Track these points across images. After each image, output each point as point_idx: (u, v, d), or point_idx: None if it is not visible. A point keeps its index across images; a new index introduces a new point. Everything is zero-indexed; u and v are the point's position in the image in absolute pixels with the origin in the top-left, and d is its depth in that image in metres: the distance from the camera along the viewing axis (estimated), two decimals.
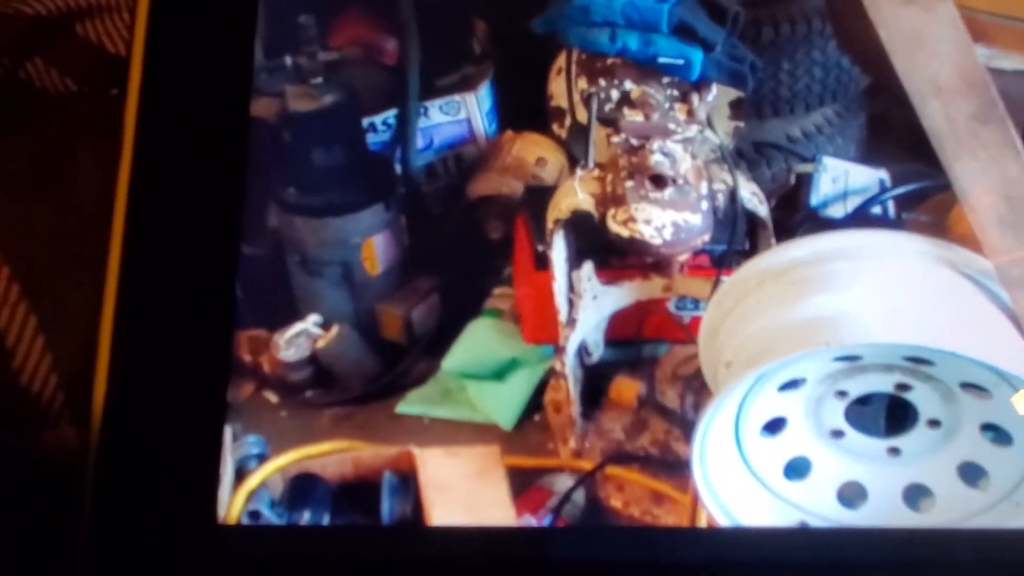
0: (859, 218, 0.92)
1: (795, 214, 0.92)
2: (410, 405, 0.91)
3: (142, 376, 0.76)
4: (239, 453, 0.84)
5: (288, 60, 0.95)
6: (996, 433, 0.77)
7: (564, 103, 0.94)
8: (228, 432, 0.77)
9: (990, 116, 0.79)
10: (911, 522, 0.78)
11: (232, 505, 0.81)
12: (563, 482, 0.85)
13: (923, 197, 0.93)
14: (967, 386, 0.76)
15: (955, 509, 0.78)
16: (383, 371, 0.93)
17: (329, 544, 0.76)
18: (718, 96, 0.90)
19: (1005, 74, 0.86)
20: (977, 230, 0.78)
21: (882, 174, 0.95)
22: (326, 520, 0.83)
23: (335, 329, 0.93)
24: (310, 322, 0.93)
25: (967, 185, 0.79)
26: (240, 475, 0.83)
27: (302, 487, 0.83)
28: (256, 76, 0.86)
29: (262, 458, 0.85)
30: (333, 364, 0.93)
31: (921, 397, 0.76)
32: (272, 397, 0.93)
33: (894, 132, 0.96)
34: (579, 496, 0.85)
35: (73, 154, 0.94)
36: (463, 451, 0.85)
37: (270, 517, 0.81)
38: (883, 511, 0.78)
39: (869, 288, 0.75)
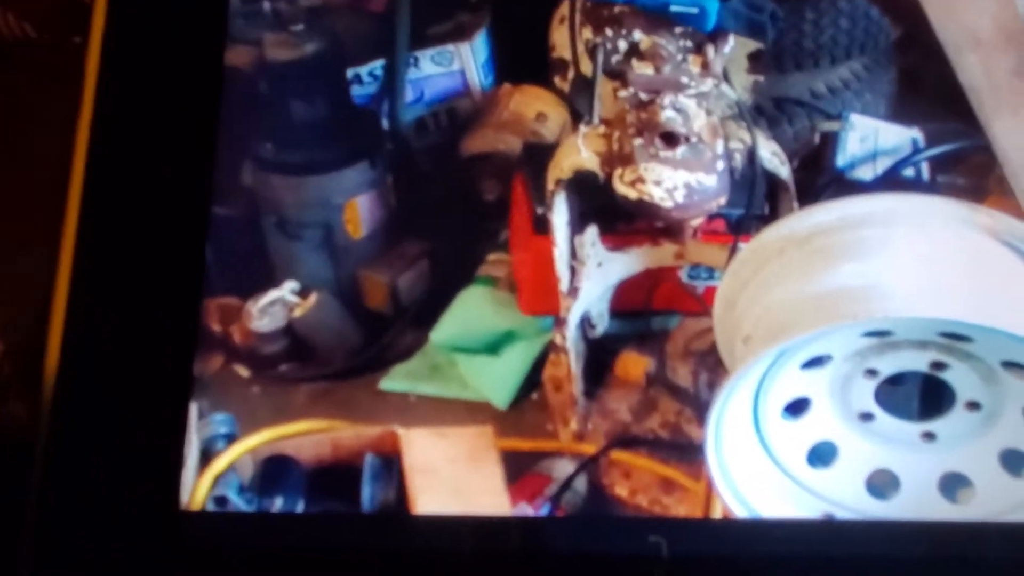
0: (890, 181, 0.89)
1: (820, 176, 0.89)
2: (395, 381, 0.88)
3: (99, 348, 0.72)
4: (205, 432, 0.81)
5: (266, 5, 0.92)
6: None
7: (567, 54, 0.89)
8: (193, 409, 0.76)
9: None
10: (948, 514, 0.75)
11: (196, 490, 0.78)
12: (563, 467, 0.82)
13: (960, 158, 0.89)
14: (1010, 365, 0.72)
15: (997, 500, 0.75)
16: (366, 343, 0.90)
17: (304, 533, 0.73)
18: (735, 48, 0.87)
19: None
20: (1019, 193, 0.76)
21: (915, 133, 0.91)
22: (300, 507, 0.80)
23: (313, 297, 0.91)
24: (286, 289, 0.91)
25: (1007, 145, 0.77)
26: (206, 457, 0.80)
27: (274, 470, 0.80)
28: (231, 22, 0.84)
29: (231, 438, 0.82)
30: (311, 335, 0.90)
31: (959, 377, 0.73)
32: (243, 371, 0.89)
33: (928, 88, 0.92)
34: (581, 483, 0.82)
35: (31, 105, 0.90)
36: (452, 432, 0.82)
37: (238, 503, 0.78)
38: (917, 502, 0.75)
39: (901, 257, 0.73)
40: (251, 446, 0.80)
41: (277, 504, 0.79)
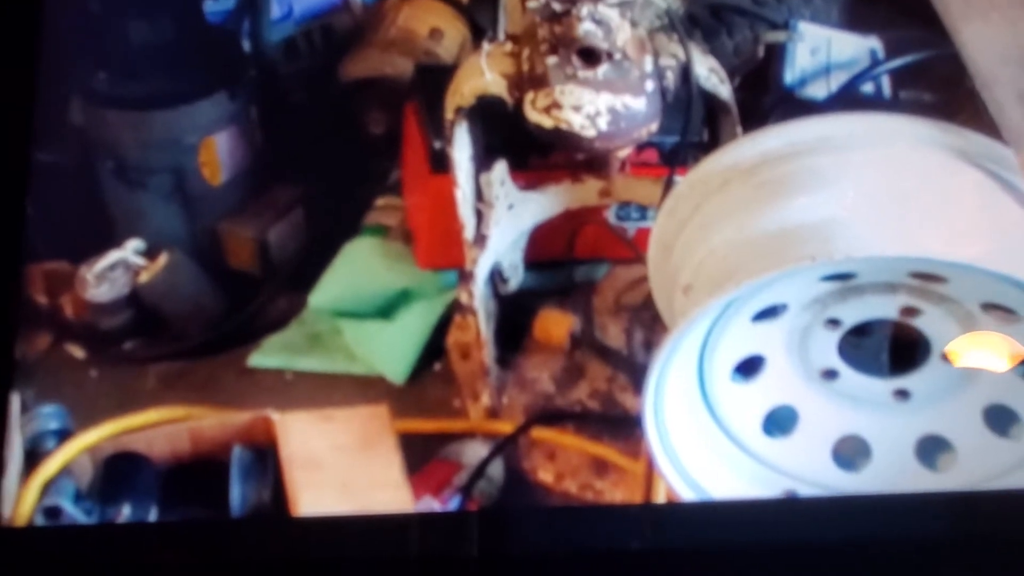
0: (846, 98, 0.88)
1: (766, 95, 0.88)
2: (267, 356, 0.87)
3: None
4: (31, 428, 0.78)
5: None
6: None
7: None
8: (15, 401, 0.72)
9: None
10: (928, 484, 0.73)
11: (21, 500, 0.74)
12: (475, 451, 0.80)
13: (925, 70, 0.88)
14: (990, 307, 0.70)
15: (982, 465, 0.73)
16: (230, 311, 0.89)
17: (159, 547, 0.67)
18: None
19: None
20: (993, 109, 0.71)
21: (873, 43, 0.91)
22: (153, 515, 0.76)
23: (163, 257, 0.88)
24: (129, 249, 0.88)
25: (978, 54, 0.73)
26: (33, 458, 0.77)
27: (120, 471, 0.76)
28: None
29: (63, 434, 0.79)
30: (161, 303, 0.88)
31: (933, 324, 0.71)
32: (77, 351, 0.87)
33: None
34: (496, 469, 0.80)
35: None
36: (339, 414, 0.79)
37: (75, 514, 0.74)
38: (891, 471, 0.73)
39: (862, 186, 0.70)
40: (89, 443, 0.76)
41: (124, 513, 0.75)
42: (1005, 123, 0.70)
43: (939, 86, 0.87)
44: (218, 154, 0.89)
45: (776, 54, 0.89)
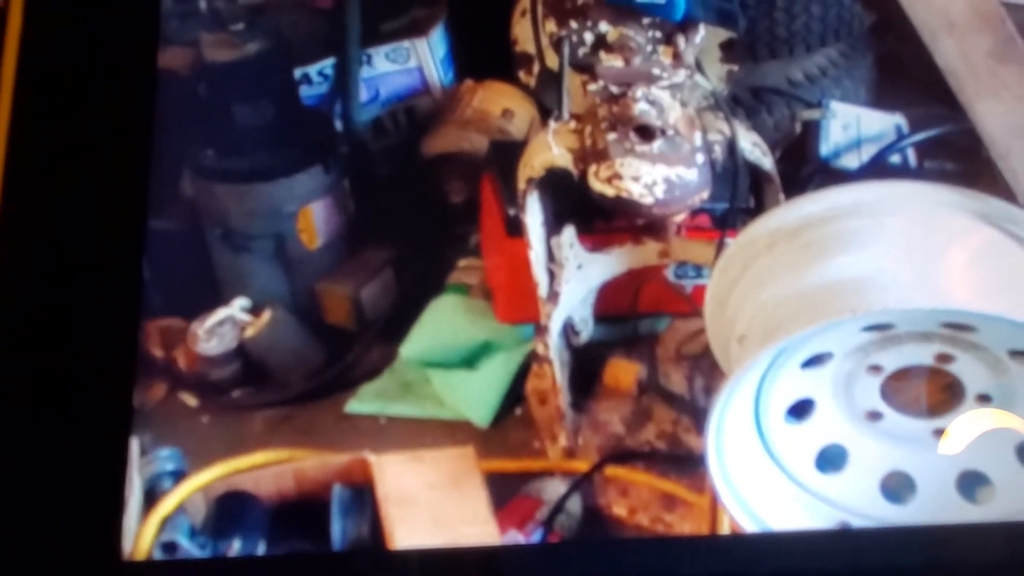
0: (877, 168, 0.87)
1: (804, 166, 0.88)
2: (363, 402, 0.85)
3: (26, 379, 0.67)
4: (149, 470, 0.77)
5: (203, 4, 0.88)
6: None
7: (531, 48, 0.86)
8: (135, 444, 0.72)
9: (1009, 54, 0.75)
10: (969, 516, 0.71)
11: (141, 536, 0.73)
12: (554, 488, 0.79)
13: (946, 143, 0.87)
14: (1017, 354, 0.69)
15: (1019, 498, 0.71)
16: (328, 362, 0.88)
17: None
18: (706, 37, 0.84)
19: (1022, 9, 0.81)
20: (1009, 177, 0.72)
21: (898, 119, 0.90)
22: (262, 549, 0.76)
23: (267, 314, 0.87)
24: (236, 307, 0.87)
25: (991, 128, 0.74)
26: (151, 498, 0.76)
27: (230, 509, 0.76)
28: (165, 22, 0.80)
29: (178, 475, 0.78)
30: (265, 356, 0.87)
31: (966, 369, 0.70)
32: (190, 400, 0.86)
33: (907, 73, 0.91)
34: (574, 504, 0.79)
35: None
36: (430, 455, 0.79)
37: (190, 549, 0.74)
38: (935, 504, 0.71)
39: (896, 246, 0.70)
40: (202, 483, 0.75)
41: (235, 547, 0.73)
42: (1019, 188, 0.71)
43: (960, 157, 0.86)
44: (315, 221, 0.88)
45: (811, 129, 0.89)
